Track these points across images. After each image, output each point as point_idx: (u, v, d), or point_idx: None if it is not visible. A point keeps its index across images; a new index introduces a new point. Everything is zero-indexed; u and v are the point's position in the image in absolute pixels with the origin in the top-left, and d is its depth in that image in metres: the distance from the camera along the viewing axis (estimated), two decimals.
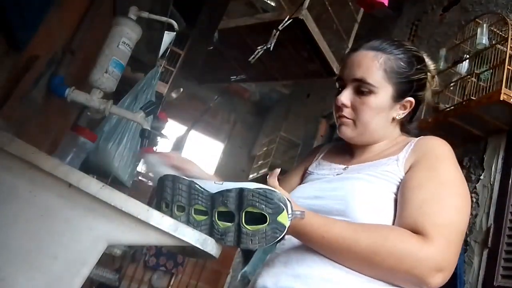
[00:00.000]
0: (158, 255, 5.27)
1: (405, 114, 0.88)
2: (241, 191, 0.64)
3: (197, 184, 0.69)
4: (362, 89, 0.84)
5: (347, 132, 0.88)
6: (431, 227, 0.68)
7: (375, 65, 0.84)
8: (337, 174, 0.90)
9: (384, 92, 0.84)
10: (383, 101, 0.84)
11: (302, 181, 1.00)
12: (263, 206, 0.63)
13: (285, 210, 0.63)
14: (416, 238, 0.68)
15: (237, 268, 5.13)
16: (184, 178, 0.71)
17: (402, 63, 0.85)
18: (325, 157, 1.01)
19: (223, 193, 0.66)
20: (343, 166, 0.91)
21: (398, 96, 0.85)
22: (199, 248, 0.64)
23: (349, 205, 0.77)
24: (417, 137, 0.88)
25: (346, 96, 0.85)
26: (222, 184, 0.69)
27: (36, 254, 0.59)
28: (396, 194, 0.78)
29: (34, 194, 0.60)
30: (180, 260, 5.38)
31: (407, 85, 0.86)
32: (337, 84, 0.90)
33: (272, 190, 0.64)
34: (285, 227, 0.63)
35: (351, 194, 0.78)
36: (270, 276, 0.79)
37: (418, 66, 0.87)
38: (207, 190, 0.68)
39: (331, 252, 0.72)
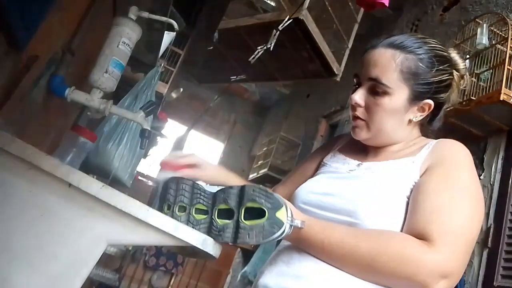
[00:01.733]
0: (158, 255, 5.27)
1: (423, 116, 0.84)
2: (243, 188, 0.67)
3: (200, 184, 0.73)
4: (376, 89, 0.80)
5: (361, 134, 0.85)
6: (438, 234, 0.66)
7: (391, 65, 0.80)
8: (350, 170, 0.87)
9: (399, 93, 0.80)
10: (398, 103, 0.80)
11: (316, 171, 0.97)
12: (263, 201, 0.64)
13: (284, 206, 0.64)
14: (419, 243, 0.66)
15: (237, 268, 5.13)
16: (188, 179, 0.74)
17: (421, 64, 0.80)
18: (342, 149, 0.97)
19: (225, 190, 0.69)
20: (357, 163, 0.88)
21: (415, 99, 0.81)
22: (199, 248, 0.64)
23: (358, 206, 0.74)
24: (436, 138, 0.85)
25: (360, 96, 0.82)
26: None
27: (36, 254, 0.59)
28: (408, 198, 0.76)
29: (34, 194, 0.60)
30: (180, 260, 5.38)
31: (425, 87, 0.81)
32: (354, 81, 0.86)
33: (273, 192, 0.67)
34: (283, 223, 0.63)
35: (362, 195, 0.76)
36: (273, 276, 0.77)
37: (440, 67, 0.82)
38: (209, 190, 0.71)
39: (331, 258, 0.71)
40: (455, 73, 0.86)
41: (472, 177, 0.75)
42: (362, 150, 0.91)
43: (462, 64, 0.87)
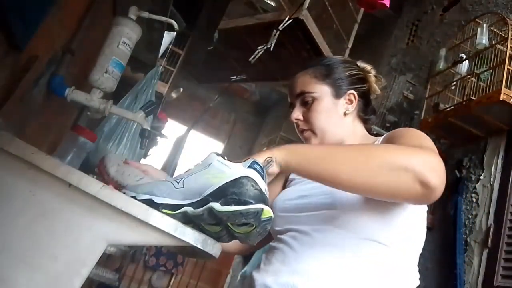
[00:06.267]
0: (158, 255, 5.28)
1: (354, 107, 0.95)
2: (210, 211, 0.60)
3: (163, 210, 0.63)
4: (306, 100, 0.93)
5: (312, 143, 0.94)
6: (417, 146, 0.72)
7: (307, 77, 0.95)
8: None
9: (324, 94, 0.93)
10: (327, 102, 0.93)
11: (284, 187, 1.02)
12: (243, 220, 0.60)
13: (263, 208, 0.60)
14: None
15: (237, 268, 5.13)
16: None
17: (328, 67, 0.95)
18: None
19: (196, 217, 0.62)
20: None
21: (338, 93, 0.94)
22: (199, 248, 0.64)
23: (336, 197, 0.79)
24: (436, 137, 0.91)
25: (296, 112, 0.95)
26: (181, 183, 0.64)
27: (36, 254, 0.59)
28: None
29: (34, 194, 0.60)
30: (180, 260, 5.38)
31: (342, 81, 0.94)
32: (290, 110, 0.98)
33: (242, 188, 0.59)
34: (271, 217, 0.61)
35: None
36: (269, 274, 0.80)
37: (346, 65, 0.97)
38: (177, 209, 0.63)
39: (334, 156, 0.69)
40: (365, 70, 1.00)
41: (423, 134, 0.82)
42: None
43: (369, 66, 1.01)
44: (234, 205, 0.59)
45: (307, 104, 0.93)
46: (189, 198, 0.63)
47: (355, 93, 0.95)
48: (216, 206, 0.59)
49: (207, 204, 0.60)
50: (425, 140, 0.78)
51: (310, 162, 0.68)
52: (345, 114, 0.94)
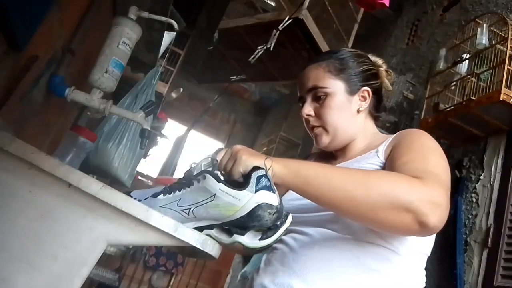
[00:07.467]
0: (158, 255, 5.27)
1: (367, 104, 0.93)
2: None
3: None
4: (318, 95, 0.90)
5: (323, 139, 0.91)
6: (421, 173, 0.68)
7: (320, 71, 0.91)
8: None
9: (337, 90, 0.90)
10: (340, 98, 0.90)
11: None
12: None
13: (290, 220, 0.63)
14: (408, 175, 0.67)
15: (237, 268, 5.13)
16: None
17: (343, 61, 0.92)
18: None
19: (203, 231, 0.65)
20: None
21: (352, 89, 0.91)
22: (199, 249, 0.64)
23: None
24: (436, 137, 0.88)
25: (307, 107, 0.92)
26: (191, 214, 0.65)
27: (36, 254, 0.59)
28: None
29: (34, 194, 0.60)
30: (180, 260, 5.38)
31: (356, 77, 0.91)
32: (300, 104, 0.95)
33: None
34: (292, 217, 0.65)
35: None
36: (267, 274, 0.80)
37: (360, 60, 0.94)
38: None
39: (333, 183, 0.67)
40: (377, 65, 0.97)
41: (434, 142, 0.80)
42: (331, 158, 0.98)
43: (379, 59, 0.99)
44: (266, 238, 0.62)
45: (319, 99, 0.90)
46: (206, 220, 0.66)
47: (369, 89, 0.92)
48: (255, 243, 0.62)
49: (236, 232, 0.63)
50: (433, 156, 0.75)
51: (309, 185, 0.67)
52: (358, 111, 0.92)
